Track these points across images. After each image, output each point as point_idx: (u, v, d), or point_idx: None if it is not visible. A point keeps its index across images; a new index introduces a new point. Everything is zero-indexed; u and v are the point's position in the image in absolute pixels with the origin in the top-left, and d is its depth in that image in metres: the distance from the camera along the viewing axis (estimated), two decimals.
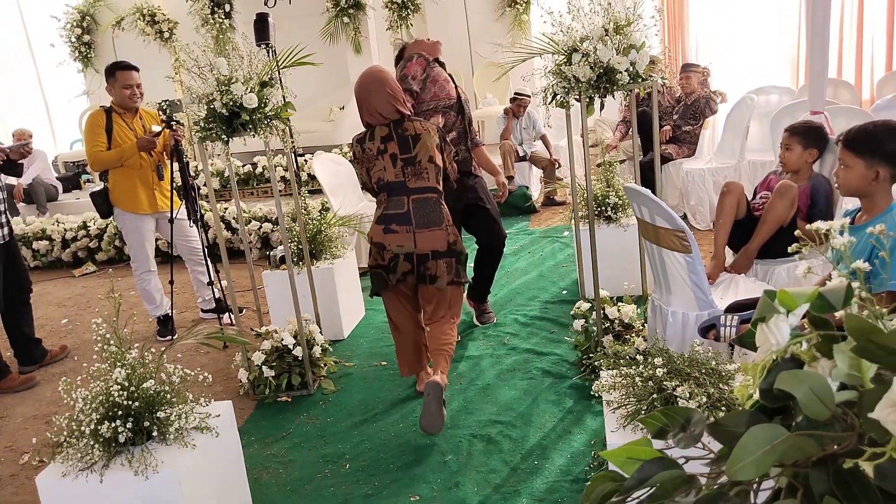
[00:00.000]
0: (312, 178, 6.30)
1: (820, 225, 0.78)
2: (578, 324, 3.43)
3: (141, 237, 4.40)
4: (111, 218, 4.45)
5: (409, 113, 3.12)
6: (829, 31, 3.63)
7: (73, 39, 9.30)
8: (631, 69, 2.94)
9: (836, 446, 0.61)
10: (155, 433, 2.11)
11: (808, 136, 3.22)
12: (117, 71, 4.20)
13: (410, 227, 2.98)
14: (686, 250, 2.60)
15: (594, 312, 3.34)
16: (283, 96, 3.34)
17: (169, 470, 2.05)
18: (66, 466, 2.07)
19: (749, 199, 3.35)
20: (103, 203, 4.33)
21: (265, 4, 8.84)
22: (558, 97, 3.05)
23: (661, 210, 2.62)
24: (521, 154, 7.25)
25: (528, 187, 7.21)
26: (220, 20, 8.56)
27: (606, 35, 2.94)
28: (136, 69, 4.26)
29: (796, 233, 0.88)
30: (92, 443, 2.05)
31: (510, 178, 7.05)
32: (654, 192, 3.39)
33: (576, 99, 3.02)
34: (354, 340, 4.18)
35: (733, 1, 7.56)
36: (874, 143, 2.21)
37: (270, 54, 4.51)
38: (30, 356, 4.29)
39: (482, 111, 8.50)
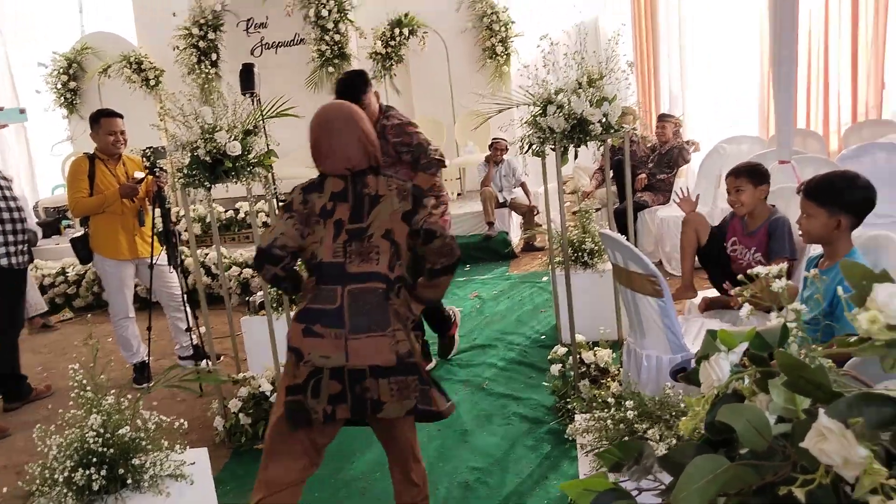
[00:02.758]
0: None
1: (760, 270, 0.84)
2: (556, 368, 3.46)
3: (120, 283, 4.40)
4: (91, 264, 4.45)
5: (378, 164, 2.30)
6: (794, 83, 3.79)
7: (59, 86, 9.38)
8: (603, 120, 3.05)
9: (774, 475, 0.66)
10: (129, 481, 2.10)
11: (754, 174, 3.22)
12: (102, 118, 4.27)
13: (341, 330, 2.07)
14: (658, 294, 2.66)
15: (571, 357, 3.38)
16: (267, 144, 3.42)
17: None
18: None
19: (711, 229, 3.48)
20: (83, 248, 4.34)
21: (251, 54, 9.01)
22: (534, 147, 3.15)
23: (633, 255, 2.69)
24: (501, 201, 7.35)
25: (507, 233, 7.30)
26: (207, 69, 8.72)
27: (580, 88, 3.06)
28: (121, 116, 4.33)
29: (739, 276, 0.93)
30: (65, 491, 2.03)
31: (490, 224, 7.15)
32: (627, 238, 3.50)
33: (551, 148, 3.12)
34: None
35: (704, 53, 7.85)
36: (836, 193, 2.30)
37: (255, 103, 4.63)
38: (17, 393, 4.42)
39: (463, 159, 8.65)
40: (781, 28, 3.60)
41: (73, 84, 9.39)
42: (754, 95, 7.49)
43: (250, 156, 3.27)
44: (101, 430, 2.08)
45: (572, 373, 3.37)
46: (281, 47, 9.04)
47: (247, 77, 4.60)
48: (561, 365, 3.45)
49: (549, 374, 3.55)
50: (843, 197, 2.29)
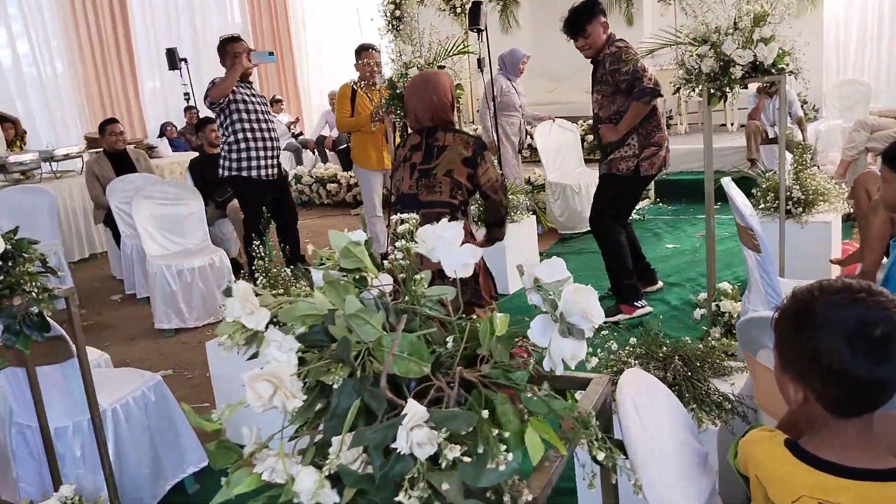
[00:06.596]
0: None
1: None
2: (698, 313, 3.48)
3: (370, 188, 5.40)
4: (350, 171, 5.53)
5: (449, 123, 2.97)
6: None
7: (388, 14, 10.88)
8: (755, 61, 2.90)
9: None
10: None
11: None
12: (363, 51, 5.20)
13: None
14: (756, 249, 2.59)
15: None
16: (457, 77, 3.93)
17: None
18: (222, 340, 2.99)
19: None
20: (345, 159, 5.42)
21: None
22: (682, 89, 3.13)
23: (737, 209, 2.64)
24: (772, 136, 6.78)
25: (774, 171, 6.74)
26: None
27: (735, 28, 2.94)
28: (378, 50, 5.20)
29: None
30: (237, 326, 2.93)
31: (752, 162, 6.69)
32: None
33: (692, 90, 3.08)
34: (517, 299, 4.67)
35: None
36: None
37: (479, 38, 5.14)
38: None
39: None
40: None
41: (398, 12, 10.82)
42: None
43: None
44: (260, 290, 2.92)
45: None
46: None
47: (475, 14, 5.09)
48: (704, 310, 3.45)
49: (692, 318, 3.57)
50: None
